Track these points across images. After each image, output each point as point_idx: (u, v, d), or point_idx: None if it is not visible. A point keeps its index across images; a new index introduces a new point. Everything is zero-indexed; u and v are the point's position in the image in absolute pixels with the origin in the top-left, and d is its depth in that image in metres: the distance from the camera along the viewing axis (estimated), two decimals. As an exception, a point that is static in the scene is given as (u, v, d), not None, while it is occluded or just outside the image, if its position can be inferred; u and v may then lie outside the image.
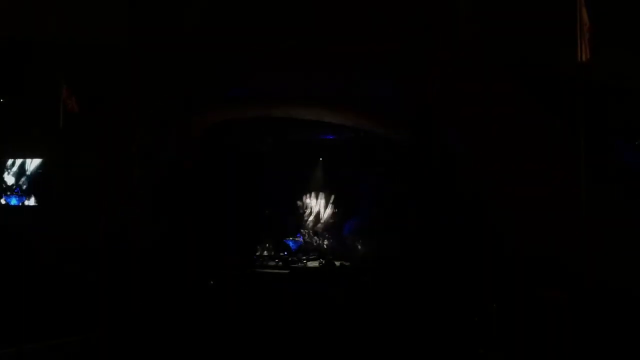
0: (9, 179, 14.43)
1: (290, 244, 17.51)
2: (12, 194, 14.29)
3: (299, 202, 18.24)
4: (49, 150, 13.73)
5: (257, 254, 16.80)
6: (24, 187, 14.39)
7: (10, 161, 14.49)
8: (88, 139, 12.58)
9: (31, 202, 14.24)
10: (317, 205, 18.18)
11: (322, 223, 18.05)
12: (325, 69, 12.43)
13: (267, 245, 17.15)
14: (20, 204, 14.26)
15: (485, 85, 10.20)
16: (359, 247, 16.80)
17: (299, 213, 18.20)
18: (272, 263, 15.93)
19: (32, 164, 14.50)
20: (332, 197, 18.01)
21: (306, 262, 16.09)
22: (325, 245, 17.56)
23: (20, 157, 14.44)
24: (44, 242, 11.61)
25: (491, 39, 10.27)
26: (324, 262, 15.59)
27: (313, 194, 18.16)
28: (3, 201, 14.23)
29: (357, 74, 12.40)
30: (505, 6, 10.09)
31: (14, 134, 13.15)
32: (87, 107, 12.15)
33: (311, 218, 18.13)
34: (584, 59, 7.81)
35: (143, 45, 12.11)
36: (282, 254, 16.84)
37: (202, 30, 12.01)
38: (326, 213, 18.10)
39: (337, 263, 15.20)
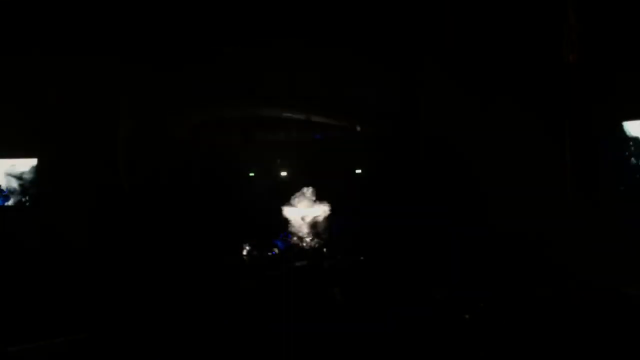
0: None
1: (279, 243, 17.45)
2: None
3: (287, 202, 18.18)
4: (35, 151, 13.61)
5: (246, 253, 16.72)
6: (10, 186, 14.22)
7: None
8: (74, 139, 12.49)
9: (19, 202, 14.09)
10: (306, 205, 18.13)
11: (309, 222, 18.02)
12: (313, 69, 12.46)
13: (256, 245, 17.07)
14: (3, 204, 14.09)
15: (473, 85, 10.27)
16: (348, 245, 16.77)
17: (287, 213, 18.15)
18: (261, 263, 15.86)
19: (18, 164, 14.30)
20: (321, 196, 17.97)
21: (294, 262, 16.02)
22: (313, 245, 17.52)
23: (6, 158, 14.26)
24: (30, 241, 11.51)
25: (478, 38, 10.34)
26: (310, 262, 15.52)
27: (301, 194, 18.12)
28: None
29: (346, 74, 12.44)
30: (493, 5, 10.17)
31: (1, 133, 13.01)
32: (73, 107, 12.10)
33: (299, 218, 18.08)
34: (570, 59, 7.91)
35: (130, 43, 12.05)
36: (270, 253, 16.75)
37: (188, 28, 11.97)
38: (314, 213, 18.06)
39: (326, 263, 15.16)
